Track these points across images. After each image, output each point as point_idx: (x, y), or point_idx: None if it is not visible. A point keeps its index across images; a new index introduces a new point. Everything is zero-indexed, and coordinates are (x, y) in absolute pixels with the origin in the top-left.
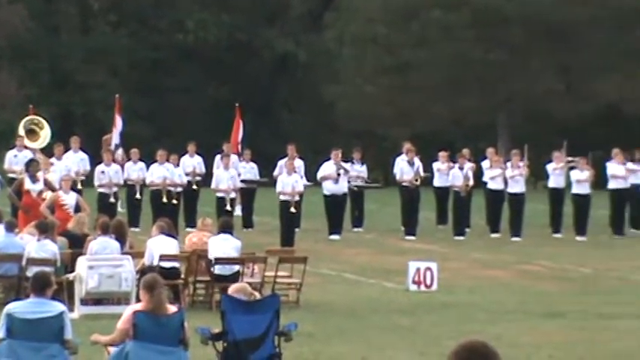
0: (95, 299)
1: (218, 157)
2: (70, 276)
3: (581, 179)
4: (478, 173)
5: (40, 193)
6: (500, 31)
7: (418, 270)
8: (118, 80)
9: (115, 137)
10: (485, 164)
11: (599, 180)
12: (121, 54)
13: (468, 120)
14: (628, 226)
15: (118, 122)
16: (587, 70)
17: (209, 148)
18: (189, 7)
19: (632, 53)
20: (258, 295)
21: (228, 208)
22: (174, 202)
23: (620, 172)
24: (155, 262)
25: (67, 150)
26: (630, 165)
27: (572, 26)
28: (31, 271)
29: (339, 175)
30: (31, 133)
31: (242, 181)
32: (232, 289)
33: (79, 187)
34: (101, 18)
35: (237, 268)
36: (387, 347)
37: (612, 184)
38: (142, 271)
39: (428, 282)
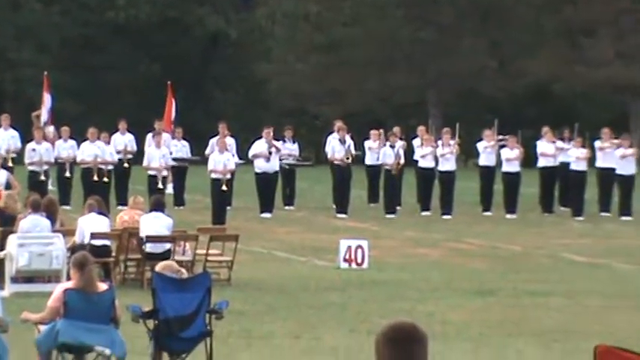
0: (26, 277)
1: (150, 135)
2: (1, 254)
3: (511, 157)
4: (409, 151)
5: None
6: (431, 9)
7: (349, 248)
8: (48, 57)
9: (43, 115)
10: (416, 142)
11: (529, 158)
12: (51, 31)
13: (398, 98)
14: (557, 204)
15: (47, 100)
16: (518, 48)
17: (141, 125)
18: None
19: (562, 32)
20: (184, 272)
21: (160, 186)
22: (106, 180)
23: (549, 151)
24: (86, 240)
25: None
26: (559, 143)
27: (502, 4)
28: None
29: (270, 153)
30: None
31: (174, 159)
32: (159, 267)
33: (10, 164)
34: None
35: (168, 246)
36: (317, 325)
37: (542, 163)
38: (73, 249)
39: (359, 260)
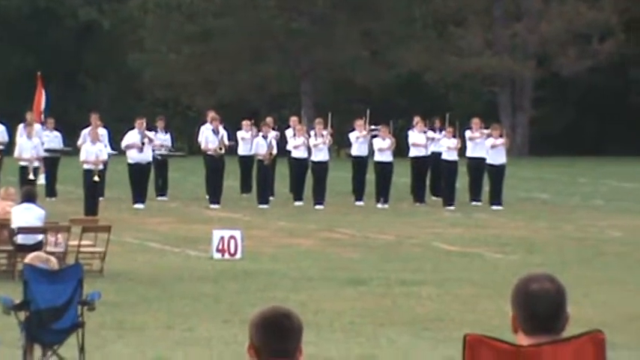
0: None
1: (21, 125)
2: None
3: (383, 147)
4: (282, 142)
5: None
6: (303, 0)
7: (222, 238)
8: None
9: None
10: (289, 133)
11: (401, 148)
12: None
13: (271, 88)
14: (429, 193)
15: None
16: (389, 38)
17: (12, 116)
18: None
19: (433, 22)
20: (54, 260)
21: (32, 177)
22: None
23: (420, 141)
24: None
25: None
26: (430, 133)
27: None
28: None
29: (143, 144)
30: None
31: (46, 150)
32: (28, 258)
33: None
34: None
35: (40, 237)
36: (191, 315)
37: (413, 152)
38: None
39: (232, 250)
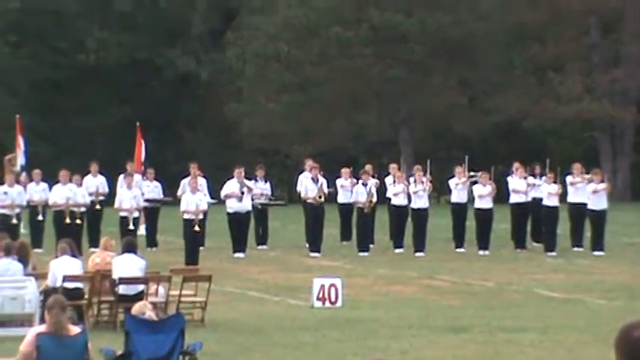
0: None
1: (121, 176)
2: None
3: (483, 194)
4: (381, 189)
5: None
6: (400, 47)
7: (322, 286)
8: (18, 101)
9: (20, 158)
10: (388, 180)
11: (501, 194)
12: (21, 74)
13: (369, 136)
14: (529, 239)
15: (21, 142)
16: (487, 85)
17: (112, 167)
18: (89, 27)
19: (531, 68)
20: (155, 311)
21: (132, 227)
22: (78, 222)
23: (521, 187)
24: (58, 283)
25: None
26: (531, 179)
27: (471, 42)
28: None
29: (242, 193)
30: None
31: (146, 200)
32: (133, 309)
33: None
34: (1, 38)
35: (141, 287)
36: None
37: (513, 199)
38: (46, 293)
39: (332, 298)
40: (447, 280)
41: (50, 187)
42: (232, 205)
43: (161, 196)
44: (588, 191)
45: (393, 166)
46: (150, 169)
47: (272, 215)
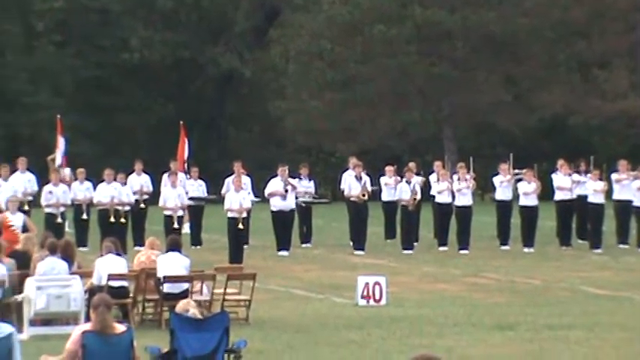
0: (44, 320)
1: (165, 175)
2: (19, 297)
3: (528, 191)
4: (426, 187)
5: None
6: (443, 44)
7: (367, 284)
8: (63, 100)
9: (57, 158)
10: (432, 178)
11: (545, 191)
12: (66, 74)
13: (413, 134)
14: (575, 237)
15: (61, 143)
16: (532, 82)
17: (156, 166)
18: (133, 26)
19: (576, 65)
20: (199, 309)
21: (176, 225)
22: (122, 221)
23: (565, 184)
24: (103, 282)
25: (13, 171)
26: (576, 176)
27: (515, 38)
28: None
29: (286, 191)
30: None
31: (190, 198)
32: (178, 307)
33: (27, 207)
34: (45, 37)
35: (186, 286)
36: None
37: (558, 196)
38: (91, 291)
39: (377, 296)
40: (492, 277)
41: (95, 186)
42: (276, 204)
43: (205, 194)
44: (634, 188)
45: (437, 164)
46: (194, 167)
47: (316, 213)
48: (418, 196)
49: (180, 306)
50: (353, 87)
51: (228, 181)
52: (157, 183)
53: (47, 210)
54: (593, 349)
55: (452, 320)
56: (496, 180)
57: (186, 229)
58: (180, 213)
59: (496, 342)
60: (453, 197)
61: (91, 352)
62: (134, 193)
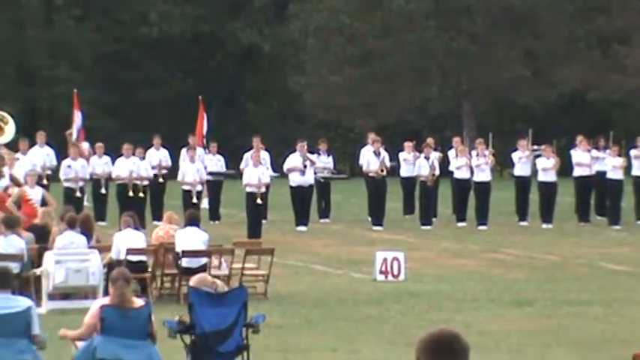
0: (62, 294)
1: (184, 149)
2: (37, 271)
3: (547, 167)
4: (444, 162)
5: (6, 188)
6: (463, 19)
7: (385, 260)
8: (82, 74)
9: (74, 132)
10: (451, 153)
11: (564, 167)
12: (85, 48)
13: (432, 109)
14: (593, 213)
15: (77, 117)
16: (552, 57)
17: (175, 141)
18: (152, 0)
19: (596, 40)
20: (219, 283)
21: (195, 200)
22: (141, 195)
23: (584, 160)
24: (122, 256)
25: (32, 145)
26: (595, 152)
27: (535, 13)
28: None
29: (305, 166)
30: None
31: (209, 173)
32: (193, 281)
33: (45, 181)
34: (65, 12)
35: (204, 260)
36: (355, 338)
37: (577, 172)
38: (109, 265)
39: (395, 272)
40: (511, 253)
41: (113, 161)
42: (295, 179)
43: (224, 169)
44: None
45: (456, 140)
46: (213, 142)
47: (334, 189)
48: (437, 172)
49: (195, 280)
50: (372, 62)
51: (247, 156)
52: (175, 158)
53: (66, 184)
54: (612, 325)
55: (470, 296)
56: (515, 156)
57: (204, 203)
58: (198, 188)
59: (514, 317)
60: (472, 173)
61: (109, 326)
62: (153, 168)
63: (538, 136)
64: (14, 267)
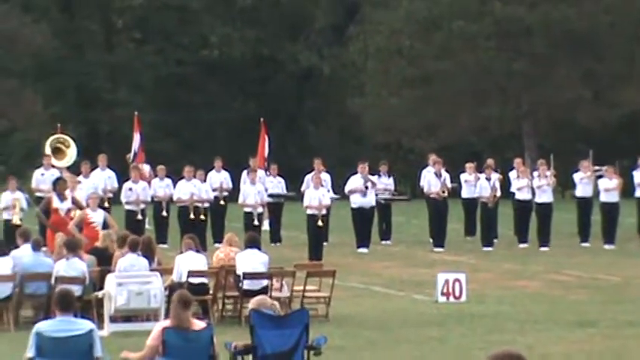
0: (124, 316)
1: (245, 172)
2: (99, 293)
3: (609, 188)
4: (505, 184)
5: (68, 211)
6: (523, 40)
7: (447, 281)
8: (143, 97)
9: (131, 154)
10: (512, 174)
11: (627, 188)
12: (145, 71)
13: (492, 130)
14: None
15: (136, 139)
16: (612, 78)
17: (236, 163)
18: (213, 23)
19: None
20: (277, 305)
21: (256, 222)
22: (202, 217)
23: None
24: (183, 279)
25: (94, 168)
26: None
27: (596, 34)
28: None
29: (366, 188)
30: (58, 152)
31: (269, 195)
32: (252, 304)
33: (107, 204)
34: (125, 35)
35: (265, 282)
36: (417, 359)
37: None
38: (171, 288)
39: (457, 293)
40: (573, 274)
41: (174, 183)
42: (356, 200)
43: (284, 191)
44: None
45: (517, 161)
46: (273, 164)
47: (395, 210)
48: (498, 193)
49: (255, 302)
50: (432, 83)
51: (308, 178)
52: (236, 180)
53: (127, 207)
54: None
55: (532, 317)
56: (576, 177)
57: (265, 225)
58: (259, 210)
59: (577, 339)
60: (533, 194)
61: (171, 348)
62: (213, 190)
63: (598, 157)
64: (76, 290)
